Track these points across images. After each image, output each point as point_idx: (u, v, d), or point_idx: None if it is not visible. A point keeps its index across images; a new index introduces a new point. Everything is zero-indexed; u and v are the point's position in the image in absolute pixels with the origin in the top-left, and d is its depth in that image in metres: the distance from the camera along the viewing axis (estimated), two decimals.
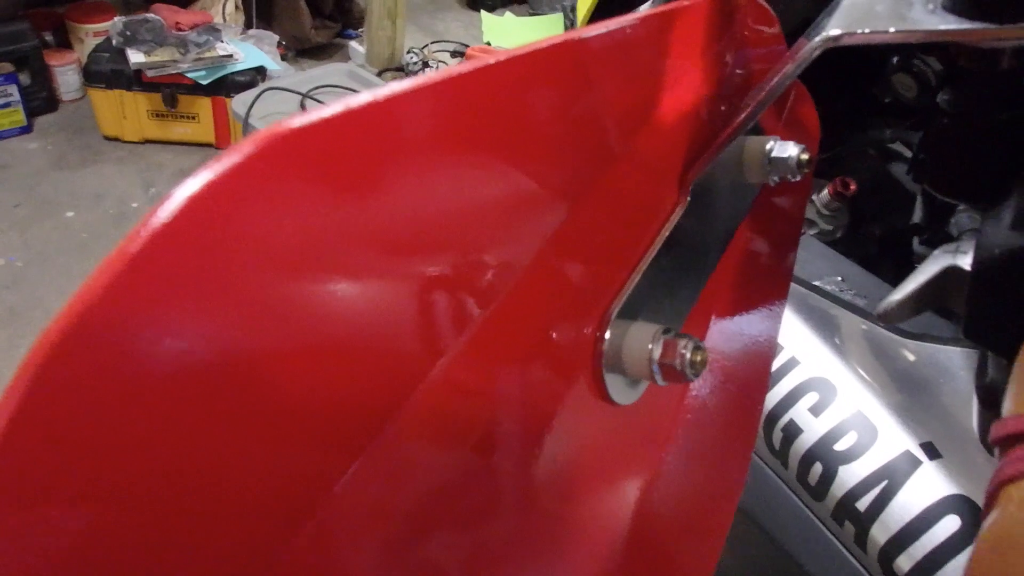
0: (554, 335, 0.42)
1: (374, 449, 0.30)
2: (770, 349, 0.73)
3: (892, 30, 0.56)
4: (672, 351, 0.45)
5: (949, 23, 0.56)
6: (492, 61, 0.33)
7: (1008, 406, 0.46)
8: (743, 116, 0.57)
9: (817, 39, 0.56)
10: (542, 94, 0.38)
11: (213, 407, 0.23)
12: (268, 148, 0.23)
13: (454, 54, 4.45)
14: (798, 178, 0.61)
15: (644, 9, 1.14)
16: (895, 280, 1.08)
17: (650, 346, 0.46)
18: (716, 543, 0.62)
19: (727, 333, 0.65)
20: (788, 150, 0.60)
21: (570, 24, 4.78)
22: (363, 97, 0.26)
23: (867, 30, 0.56)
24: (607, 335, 0.46)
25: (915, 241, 1.01)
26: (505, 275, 0.37)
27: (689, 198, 0.55)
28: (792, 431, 0.93)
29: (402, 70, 4.14)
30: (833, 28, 0.56)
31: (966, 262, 0.67)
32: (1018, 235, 0.57)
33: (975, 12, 0.55)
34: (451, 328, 0.33)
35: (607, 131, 0.45)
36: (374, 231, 0.28)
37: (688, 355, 0.45)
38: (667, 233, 0.53)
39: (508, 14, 5.09)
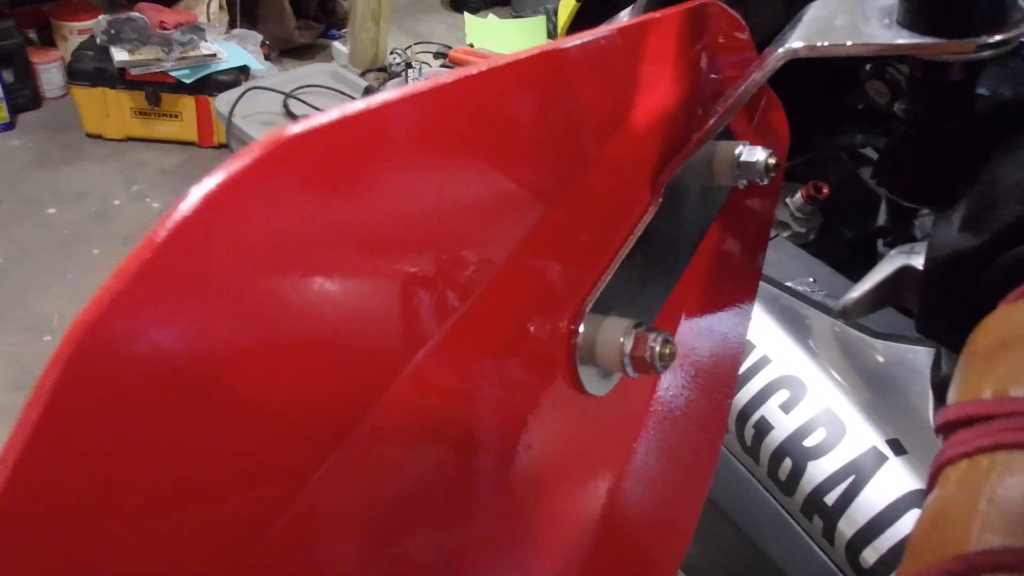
0: (530, 328, 0.44)
1: (351, 441, 0.32)
2: (739, 346, 0.75)
3: (850, 43, 0.59)
4: (643, 344, 0.47)
5: (903, 38, 0.59)
6: (477, 70, 0.35)
7: (952, 395, 0.48)
8: (712, 122, 0.59)
9: (780, 51, 0.58)
10: (523, 101, 0.40)
11: (214, 399, 0.25)
12: (275, 151, 0.25)
13: (437, 55, 4.45)
14: (766, 182, 0.62)
15: (624, 15, 1.16)
16: None
17: (622, 339, 0.47)
18: (685, 534, 0.64)
19: (697, 330, 0.67)
20: (756, 155, 0.62)
21: (552, 27, 4.78)
22: (358, 104, 0.28)
23: (827, 43, 0.59)
24: (581, 328, 0.48)
25: (879, 243, 1.03)
26: (484, 271, 0.38)
27: (661, 199, 0.57)
28: (763, 427, 0.94)
29: (385, 71, 4.15)
30: (796, 41, 0.59)
31: (920, 262, 0.69)
32: (966, 236, 0.59)
33: (927, 28, 0.58)
34: (431, 321, 0.35)
35: (583, 136, 0.47)
36: (365, 228, 0.30)
37: (658, 348, 0.47)
38: (639, 232, 0.54)
39: (491, 16, 5.10)
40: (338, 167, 0.28)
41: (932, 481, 0.44)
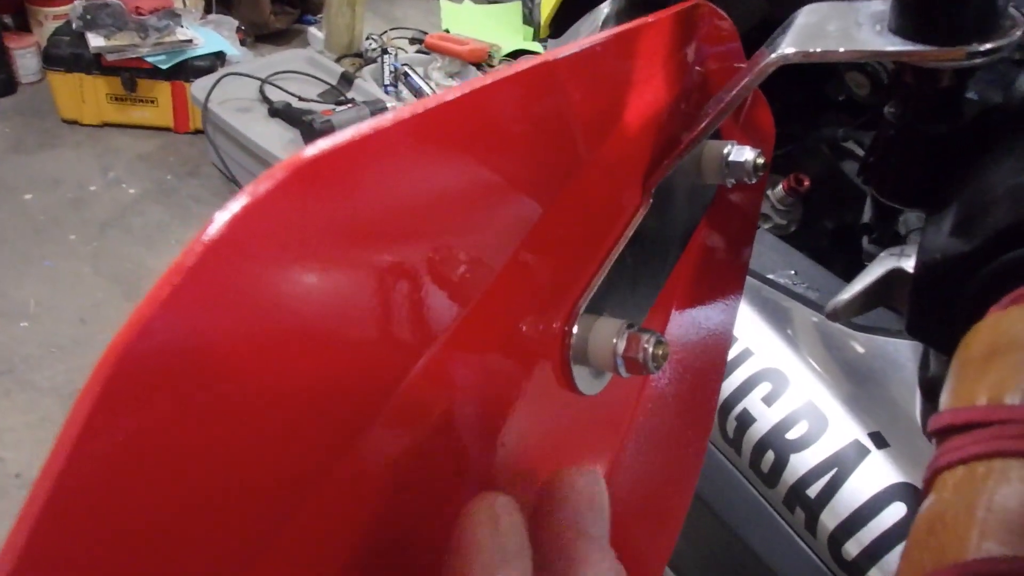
0: (526, 329, 0.45)
1: (363, 440, 0.33)
2: (726, 340, 0.76)
3: (842, 50, 0.59)
4: (635, 345, 0.48)
5: (895, 44, 0.59)
6: (480, 85, 0.36)
7: (945, 400, 0.49)
8: (704, 124, 0.60)
9: (773, 56, 0.59)
10: (522, 114, 0.41)
11: (248, 402, 0.26)
12: (297, 172, 0.26)
13: (412, 41, 4.45)
14: (753, 181, 0.63)
15: (605, 7, 1.16)
16: (845, 273, 1.11)
17: (615, 340, 0.48)
18: (674, 527, 0.65)
19: (686, 325, 0.68)
20: (745, 154, 0.62)
21: (528, 12, 4.78)
22: (369, 123, 0.29)
23: (819, 49, 0.59)
24: (575, 329, 0.49)
25: (864, 240, 1.04)
26: (484, 275, 0.39)
27: (652, 200, 0.57)
28: (746, 420, 0.95)
29: (361, 56, 4.14)
30: (788, 47, 0.59)
31: (910, 265, 0.70)
32: (956, 241, 0.60)
33: (919, 35, 0.59)
34: (436, 324, 0.36)
35: (577, 141, 0.47)
36: (378, 240, 0.31)
37: (651, 349, 0.48)
38: (631, 233, 0.55)
39: (467, 2, 5.09)
40: (353, 185, 0.29)
41: (927, 486, 0.45)
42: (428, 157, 0.33)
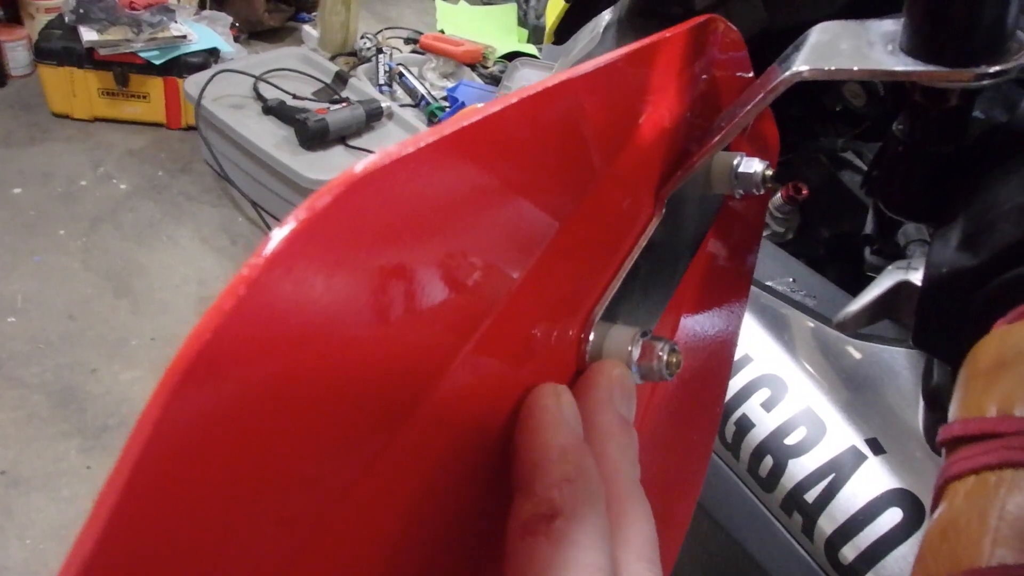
0: (544, 337, 0.45)
1: (399, 438, 0.33)
2: (732, 347, 0.77)
3: (855, 68, 0.61)
4: (650, 353, 0.48)
5: (906, 64, 0.61)
6: (506, 104, 0.37)
7: (954, 411, 0.50)
8: (717, 139, 0.61)
9: (787, 74, 0.60)
10: (545, 132, 0.42)
11: (304, 405, 0.27)
12: (353, 187, 0.27)
13: (407, 41, 4.46)
14: (761, 192, 0.64)
15: (606, 14, 1.17)
16: (841, 281, 1.12)
17: (629, 348, 0.48)
18: (679, 533, 0.65)
19: (694, 332, 0.69)
20: (753, 166, 0.63)
21: (523, 15, 4.78)
22: (412, 141, 0.30)
23: (833, 67, 0.61)
24: (591, 337, 0.49)
25: (867, 251, 1.05)
26: (507, 284, 0.40)
27: (664, 210, 0.58)
28: (744, 425, 0.96)
29: (355, 55, 4.15)
30: (802, 64, 0.61)
31: (917, 278, 0.71)
32: (963, 255, 0.61)
33: (929, 56, 0.61)
34: (463, 331, 0.37)
35: (594, 156, 0.48)
36: (416, 252, 0.32)
37: (665, 357, 0.48)
38: (644, 243, 0.56)
39: (462, 2, 5.09)
40: (396, 201, 0.30)
41: (939, 495, 0.46)
42: (462, 174, 0.35)
